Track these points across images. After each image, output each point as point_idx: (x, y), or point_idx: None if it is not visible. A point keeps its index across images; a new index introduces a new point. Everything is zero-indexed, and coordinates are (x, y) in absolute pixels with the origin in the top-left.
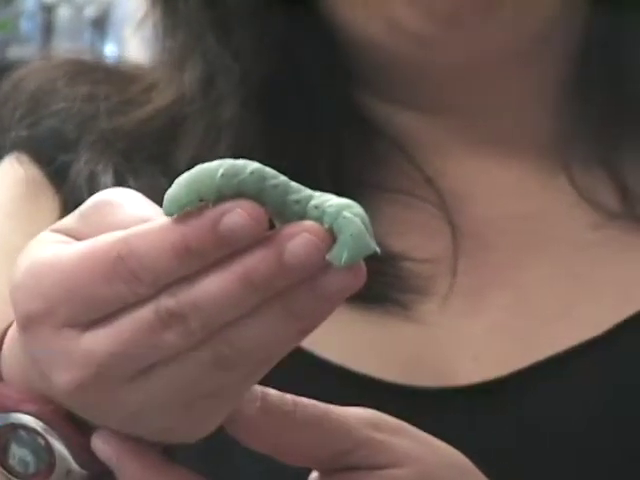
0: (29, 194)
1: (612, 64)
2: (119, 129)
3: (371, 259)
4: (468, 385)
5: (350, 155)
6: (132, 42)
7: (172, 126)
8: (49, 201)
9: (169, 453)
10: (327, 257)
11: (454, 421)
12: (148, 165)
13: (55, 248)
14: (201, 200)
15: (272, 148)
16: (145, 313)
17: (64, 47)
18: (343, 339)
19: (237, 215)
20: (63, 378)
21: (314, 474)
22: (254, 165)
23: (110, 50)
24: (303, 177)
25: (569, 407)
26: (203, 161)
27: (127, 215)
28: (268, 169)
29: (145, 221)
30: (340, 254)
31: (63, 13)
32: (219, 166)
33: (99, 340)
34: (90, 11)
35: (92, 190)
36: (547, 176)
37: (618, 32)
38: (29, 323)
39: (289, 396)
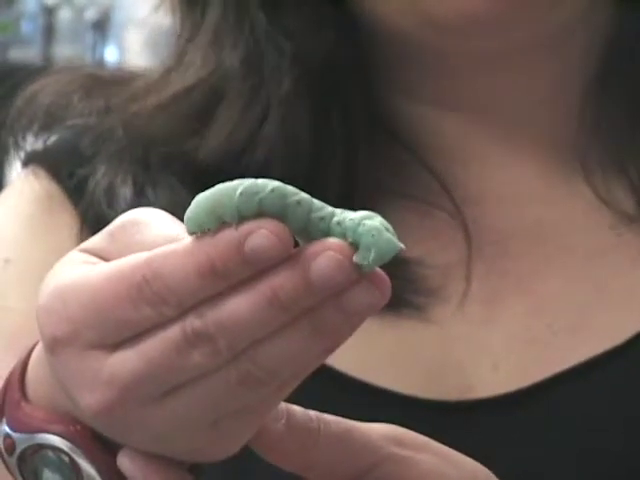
0: (47, 209)
1: (636, 66)
2: (138, 117)
3: (384, 264)
4: (488, 398)
5: (367, 161)
6: (133, 44)
7: (207, 104)
8: (67, 215)
9: (195, 471)
10: (354, 259)
11: (476, 434)
12: (167, 174)
13: (81, 270)
14: (223, 221)
15: (318, 133)
16: (172, 334)
17: (65, 49)
18: (361, 351)
19: (262, 235)
20: (89, 399)
21: None
22: (275, 183)
23: (111, 52)
24: (317, 179)
25: (590, 419)
26: (238, 142)
27: (154, 234)
28: (289, 187)
29: (172, 240)
30: (367, 255)
31: (64, 15)
32: (238, 185)
33: (125, 361)
34: (91, 13)
35: (111, 202)
36: (566, 179)
37: None
38: (55, 345)
39: (313, 413)
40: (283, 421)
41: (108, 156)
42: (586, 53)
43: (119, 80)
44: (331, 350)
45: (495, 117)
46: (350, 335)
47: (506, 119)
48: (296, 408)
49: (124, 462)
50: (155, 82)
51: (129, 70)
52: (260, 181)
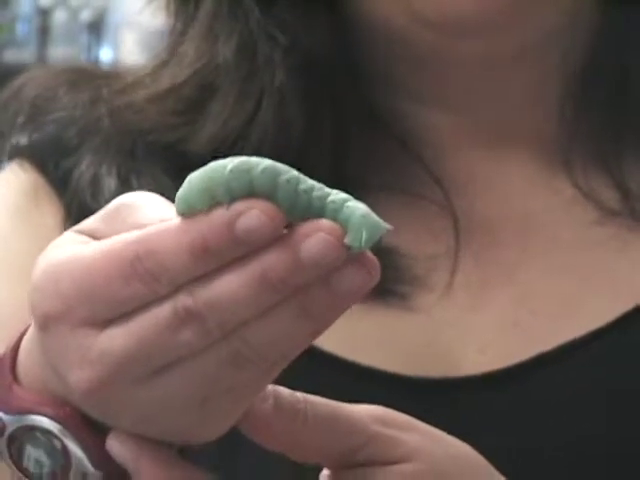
0: (33, 200)
1: (618, 65)
2: (127, 109)
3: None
4: (473, 375)
5: (356, 151)
6: (128, 45)
7: (199, 96)
8: (53, 206)
9: (184, 454)
10: (346, 241)
11: (461, 412)
12: (151, 164)
13: (73, 248)
14: (215, 200)
15: (309, 123)
16: (162, 312)
17: (60, 51)
18: (347, 332)
19: (253, 216)
20: (79, 377)
21: (325, 471)
22: (266, 162)
23: (106, 53)
24: (305, 168)
25: (575, 396)
26: (231, 132)
27: (148, 217)
28: (280, 165)
29: (165, 222)
30: (359, 236)
31: (59, 17)
32: (229, 162)
33: (116, 339)
34: (86, 15)
35: (95, 192)
36: (550, 173)
37: (627, 34)
38: (47, 322)
39: (300, 394)
40: (270, 401)
41: (93, 147)
42: (568, 55)
43: (106, 74)
44: (319, 331)
45: (481, 114)
46: (338, 316)
47: (491, 116)
48: (283, 389)
49: (113, 445)
50: (146, 75)
51: (118, 71)
52: (252, 159)
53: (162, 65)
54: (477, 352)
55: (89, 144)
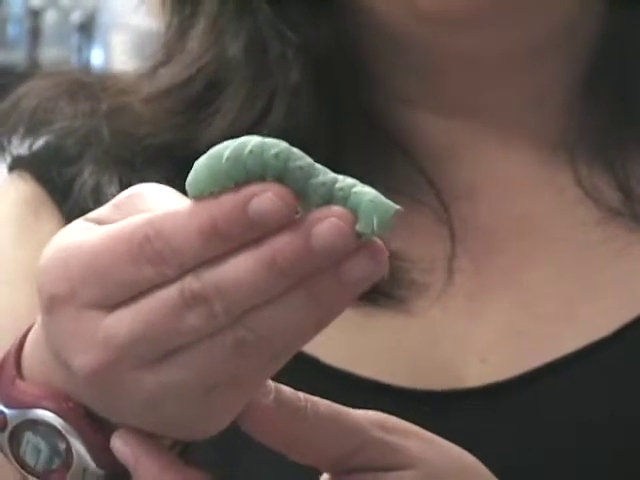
0: (33, 211)
1: (623, 67)
2: (127, 110)
3: None
4: (476, 387)
5: (356, 154)
6: (118, 47)
7: (205, 94)
8: (53, 217)
9: (185, 456)
10: (357, 228)
11: (463, 423)
12: (153, 173)
13: (82, 233)
14: (222, 185)
15: (315, 122)
16: (169, 294)
17: (51, 52)
18: (346, 343)
19: (267, 198)
20: (84, 360)
21: (324, 475)
22: (282, 145)
23: (96, 55)
24: None
25: (578, 407)
26: (240, 132)
27: (158, 205)
28: (294, 149)
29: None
30: (370, 222)
31: (50, 18)
32: (225, 148)
33: (122, 322)
34: (77, 16)
35: (98, 201)
36: (553, 176)
37: (633, 35)
38: (53, 304)
39: (301, 393)
40: (272, 397)
41: (94, 157)
42: (573, 54)
43: (105, 84)
44: (325, 321)
45: (482, 116)
46: (346, 306)
47: (493, 118)
48: (284, 387)
49: (117, 443)
50: (143, 76)
51: (114, 75)
52: (249, 145)
53: (160, 65)
54: (479, 363)
55: (90, 154)
